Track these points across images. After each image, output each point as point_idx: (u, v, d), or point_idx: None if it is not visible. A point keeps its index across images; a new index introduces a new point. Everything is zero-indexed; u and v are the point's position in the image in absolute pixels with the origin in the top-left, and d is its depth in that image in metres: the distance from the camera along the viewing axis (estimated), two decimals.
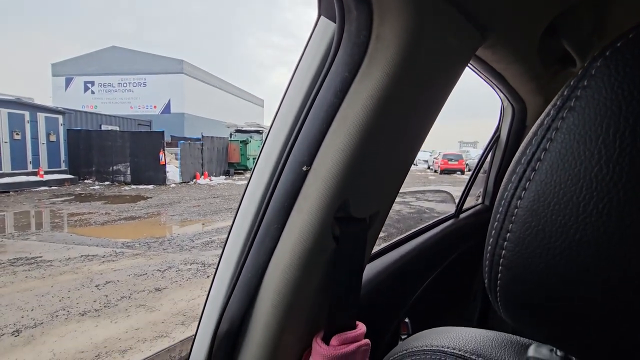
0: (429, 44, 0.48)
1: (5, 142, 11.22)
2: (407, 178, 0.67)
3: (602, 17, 0.73)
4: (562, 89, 0.27)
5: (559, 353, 0.39)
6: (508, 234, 0.28)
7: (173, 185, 13.06)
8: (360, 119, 0.48)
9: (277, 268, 0.53)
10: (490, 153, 1.66)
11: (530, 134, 0.29)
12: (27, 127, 11.90)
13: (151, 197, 10.18)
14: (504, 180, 0.30)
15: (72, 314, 3.23)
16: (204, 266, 4.52)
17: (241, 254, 0.55)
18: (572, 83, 0.26)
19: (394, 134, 0.54)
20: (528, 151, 0.28)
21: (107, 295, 3.61)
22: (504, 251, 0.29)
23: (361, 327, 0.61)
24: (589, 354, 0.30)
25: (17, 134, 11.55)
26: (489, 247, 0.30)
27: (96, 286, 3.84)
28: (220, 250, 0.59)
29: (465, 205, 1.61)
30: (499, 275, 0.30)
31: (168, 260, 4.75)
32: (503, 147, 1.55)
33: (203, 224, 7.09)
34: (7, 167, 11.22)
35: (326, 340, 0.58)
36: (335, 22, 0.48)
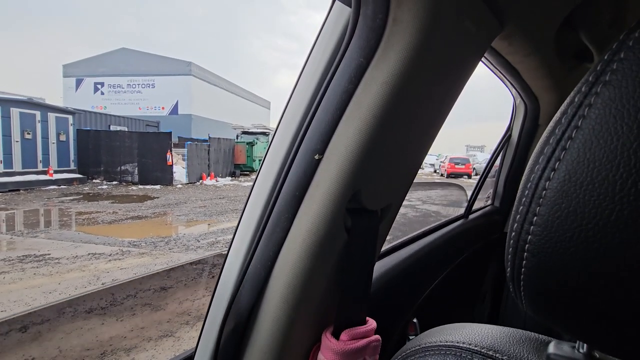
0: (447, 28, 0.47)
1: (17, 141, 11.40)
2: (414, 179, 0.65)
3: (621, 9, 0.71)
4: (595, 64, 0.25)
5: (582, 350, 0.37)
6: (535, 218, 0.27)
7: (180, 185, 13.14)
8: (375, 106, 0.46)
9: (287, 260, 0.52)
10: (501, 154, 1.63)
11: (558, 113, 0.27)
12: (38, 126, 12.08)
13: (158, 197, 10.25)
14: (530, 162, 0.28)
15: (78, 311, 3.25)
16: (210, 266, 4.52)
17: (250, 245, 0.54)
18: (606, 57, 0.25)
19: (409, 123, 0.52)
20: (557, 130, 0.26)
21: (113, 294, 3.63)
22: (530, 236, 0.27)
23: (371, 323, 0.60)
24: (618, 347, 0.28)
25: (28, 134, 11.73)
26: (513, 234, 0.29)
27: (102, 284, 3.86)
28: (227, 248, 0.58)
29: (475, 207, 1.59)
30: (524, 262, 0.28)
31: (174, 259, 4.76)
32: (514, 147, 1.52)
33: (209, 224, 7.11)
34: (18, 166, 11.39)
35: (336, 335, 0.57)
36: (350, 7, 0.47)
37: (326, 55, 0.50)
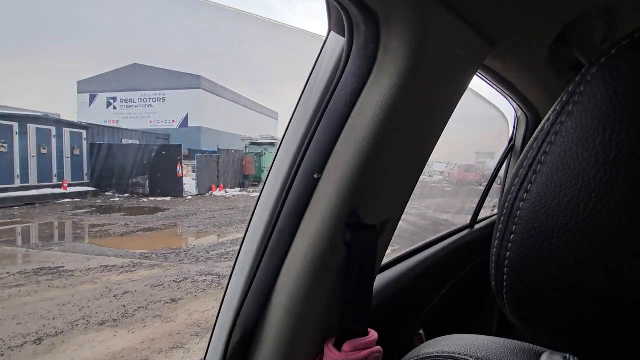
0: (435, 55, 0.50)
1: (33, 156, 11.72)
2: (420, 190, 0.67)
3: (614, 24, 0.73)
4: (562, 95, 0.28)
5: None
6: (512, 236, 0.29)
7: (189, 197, 13.30)
8: (370, 128, 0.49)
9: (289, 274, 0.55)
10: (505, 163, 1.64)
11: (532, 138, 0.30)
12: (54, 141, 12.42)
13: (168, 209, 10.39)
14: (507, 183, 0.31)
15: (91, 323, 3.30)
16: (219, 277, 4.55)
17: (255, 260, 0.57)
18: (569, 89, 0.27)
19: (403, 142, 0.55)
20: (529, 155, 0.29)
21: (124, 306, 3.68)
22: (508, 252, 0.29)
23: (373, 334, 0.61)
24: (596, 356, 0.30)
25: (44, 149, 12.07)
26: (494, 250, 0.31)
27: (114, 296, 3.92)
28: (235, 259, 0.61)
29: (481, 216, 1.59)
30: (505, 277, 0.30)
31: (184, 271, 4.81)
32: (518, 157, 1.53)
33: (218, 235, 7.17)
34: (34, 180, 11.69)
35: (338, 347, 0.58)
36: (344, 37, 0.51)
37: (323, 81, 0.53)
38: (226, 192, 15.01)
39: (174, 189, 13.33)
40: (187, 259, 5.39)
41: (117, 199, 12.58)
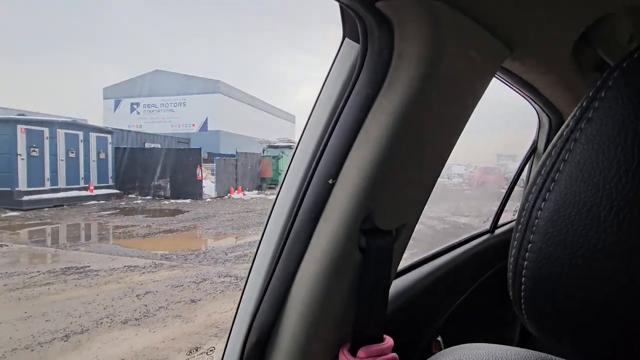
0: (451, 59, 0.49)
1: (62, 160, 12.26)
2: (439, 192, 0.66)
3: (638, 24, 0.70)
4: (581, 101, 0.27)
5: None
6: (530, 245, 0.28)
7: (209, 199, 13.56)
8: (384, 134, 0.49)
9: (304, 278, 0.55)
10: (527, 166, 1.59)
11: (550, 145, 0.29)
12: (81, 146, 12.96)
13: (188, 211, 10.62)
14: (525, 191, 0.30)
15: (114, 321, 3.41)
16: (237, 279, 4.61)
17: (271, 264, 0.58)
18: (590, 94, 0.26)
19: (419, 147, 0.55)
20: (547, 162, 0.28)
21: (146, 305, 3.78)
22: (526, 262, 0.29)
23: (388, 341, 0.61)
24: None
25: (72, 153, 12.61)
26: (512, 259, 0.31)
27: (137, 296, 4.04)
28: (251, 262, 0.62)
29: (502, 220, 1.55)
30: (522, 286, 0.30)
31: (203, 272, 4.90)
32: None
33: (236, 237, 7.27)
34: (62, 183, 12.22)
35: (353, 352, 0.58)
36: (358, 43, 0.51)
37: (337, 87, 0.54)
38: (244, 194, 15.22)
39: (194, 191, 13.63)
40: (206, 261, 5.50)
41: (139, 201, 12.97)
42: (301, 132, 0.58)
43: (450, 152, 0.62)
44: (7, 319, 3.38)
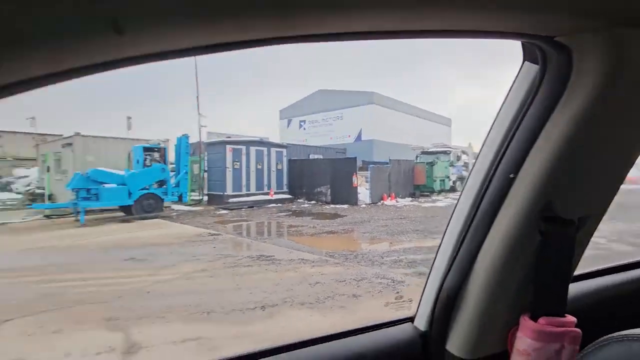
0: (632, 69, 0.51)
1: (252, 171, 15.64)
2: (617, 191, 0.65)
3: None
4: None
5: None
6: None
7: (363, 205, 14.36)
8: (564, 136, 0.56)
9: (488, 251, 0.67)
10: None
11: None
12: (265, 159, 16.23)
13: (346, 215, 11.58)
14: None
15: (295, 302, 4.15)
16: (393, 282, 4.80)
17: (458, 239, 0.72)
18: None
19: (599, 149, 0.58)
20: None
21: (317, 293, 4.43)
22: None
23: (571, 318, 0.63)
24: None
25: (259, 165, 15.95)
26: None
27: (309, 284, 4.77)
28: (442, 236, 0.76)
29: None
30: None
31: (362, 272, 5.31)
32: None
33: (390, 243, 7.49)
34: (253, 189, 15.58)
35: (534, 319, 0.64)
36: (537, 64, 0.58)
37: (518, 100, 0.62)
38: (397, 201, 15.37)
39: (350, 197, 14.73)
40: (363, 262, 5.92)
41: (306, 205, 14.98)
42: (485, 137, 0.69)
43: None
44: (227, 288, 4.63)
